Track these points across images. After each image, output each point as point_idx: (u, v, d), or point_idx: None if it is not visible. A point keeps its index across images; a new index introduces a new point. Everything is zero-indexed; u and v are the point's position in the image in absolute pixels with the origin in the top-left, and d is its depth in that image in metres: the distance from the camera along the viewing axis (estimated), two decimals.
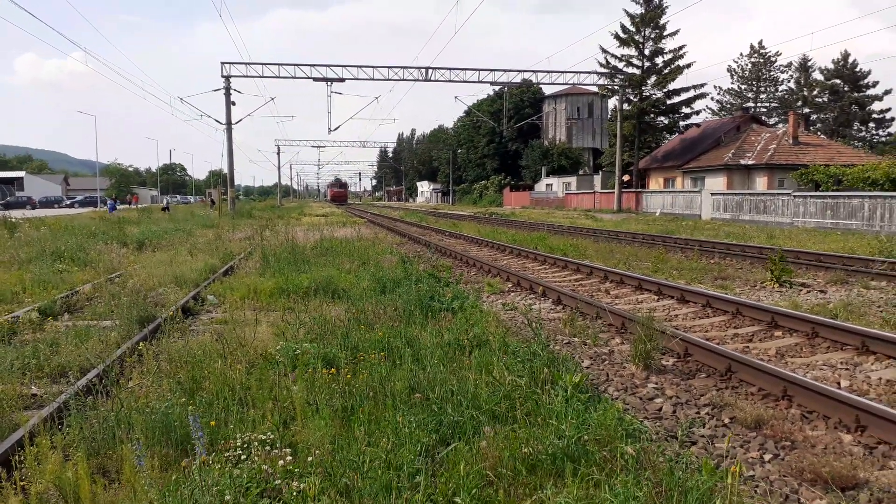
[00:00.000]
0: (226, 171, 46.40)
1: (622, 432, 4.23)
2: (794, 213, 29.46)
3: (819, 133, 64.88)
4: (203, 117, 45.66)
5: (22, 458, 3.94)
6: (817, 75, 75.87)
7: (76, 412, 4.47)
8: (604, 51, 50.56)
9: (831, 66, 73.50)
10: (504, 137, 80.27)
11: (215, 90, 42.12)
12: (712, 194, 36.81)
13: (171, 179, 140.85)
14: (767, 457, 4.41)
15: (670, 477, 3.63)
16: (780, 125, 54.39)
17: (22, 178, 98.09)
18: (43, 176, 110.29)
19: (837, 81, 73.01)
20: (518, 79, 44.65)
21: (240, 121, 45.25)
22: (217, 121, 44.29)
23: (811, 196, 29.04)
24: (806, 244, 18.70)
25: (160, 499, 3.44)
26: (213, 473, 3.59)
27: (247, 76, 41.99)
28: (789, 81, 79.47)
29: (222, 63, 41.61)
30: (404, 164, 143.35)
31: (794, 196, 29.74)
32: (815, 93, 75.67)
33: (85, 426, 4.36)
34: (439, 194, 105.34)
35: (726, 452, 4.46)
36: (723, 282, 12.12)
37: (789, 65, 78.06)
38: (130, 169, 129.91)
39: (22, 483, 3.77)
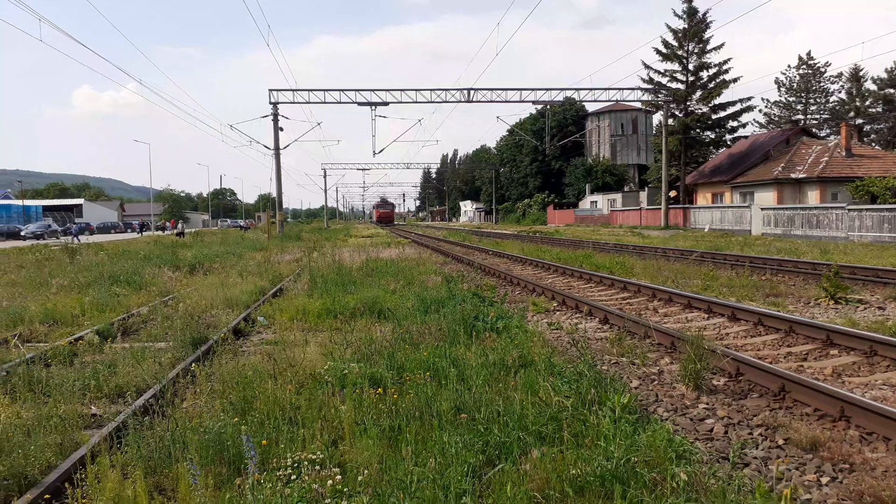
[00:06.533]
0: (274, 195, 47.42)
1: (672, 454, 4.16)
2: (848, 228, 28.55)
3: (873, 144, 62.97)
4: (252, 143, 46.88)
5: (83, 476, 4.08)
6: (870, 85, 73.67)
7: (134, 431, 4.62)
8: (647, 66, 50.24)
9: (884, 75, 71.35)
10: (547, 156, 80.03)
11: (263, 116, 43.33)
12: (762, 209, 35.97)
13: (222, 204, 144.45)
14: (825, 480, 4.28)
15: (722, 500, 3.56)
16: (832, 137, 52.96)
17: (81, 205, 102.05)
18: (100, 203, 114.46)
19: (892, 91, 70.72)
20: (560, 97, 44.64)
21: (287, 146, 46.24)
22: (265, 146, 45.46)
23: (867, 209, 28.11)
24: (862, 259, 18.10)
25: None
26: (265, 492, 3.67)
27: (294, 102, 42.99)
28: (840, 92, 77.27)
29: (270, 90, 42.77)
30: (447, 184, 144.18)
31: (849, 209, 28.84)
32: (867, 103, 73.42)
33: (142, 445, 4.50)
34: (482, 213, 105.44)
35: (781, 475, 4.35)
36: (775, 299, 11.82)
37: (840, 75, 75.91)
38: (182, 194, 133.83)
39: (83, 501, 3.90)
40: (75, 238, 46.27)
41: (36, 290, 13.84)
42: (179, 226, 61.35)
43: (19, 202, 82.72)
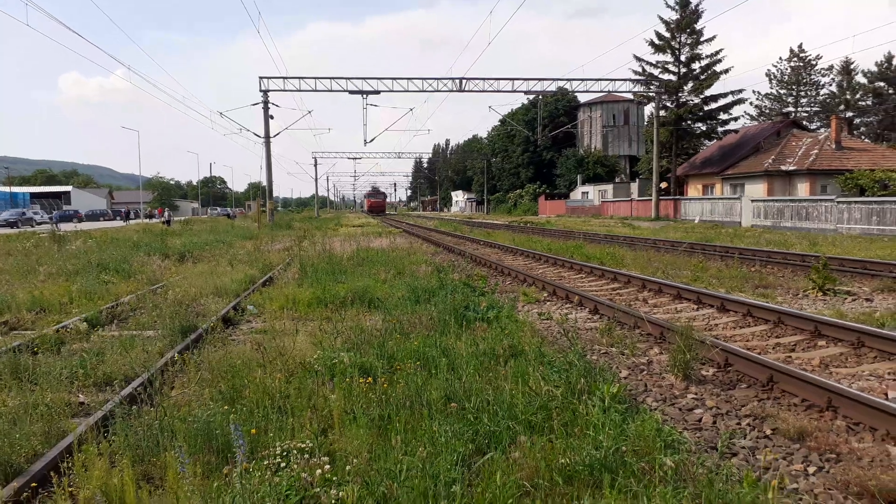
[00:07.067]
0: (265, 183, 47.20)
1: (661, 443, 4.18)
2: (837, 220, 28.73)
3: (863, 137, 63.33)
4: (242, 131, 46.65)
5: (70, 464, 4.06)
6: (860, 78, 74.01)
7: (121, 420, 4.59)
8: (638, 59, 50.19)
9: (875, 68, 71.67)
10: (538, 146, 79.98)
11: (254, 104, 43.06)
12: (752, 201, 36.14)
13: (212, 192, 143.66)
14: (811, 469, 4.31)
15: (710, 489, 3.58)
16: (822, 130, 53.17)
17: (69, 192, 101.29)
18: (89, 190, 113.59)
19: (881, 84, 71.11)
20: (552, 87, 44.60)
21: (277, 134, 46.02)
22: (256, 134, 45.22)
23: (856, 202, 28.29)
24: (851, 251, 18.22)
25: None
26: (254, 481, 3.65)
27: (284, 90, 42.74)
28: (831, 85, 77.63)
29: (260, 78, 42.45)
30: (439, 174, 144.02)
31: (838, 202, 29.02)
32: (858, 96, 73.81)
33: (130, 434, 4.47)
34: (474, 203, 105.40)
35: (768, 464, 4.37)
36: (764, 290, 11.88)
37: (830, 68, 76.17)
38: (172, 182, 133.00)
39: (70, 489, 3.88)
40: (54, 226, 45.15)
41: (23, 278, 13.72)
42: (166, 214, 60.16)
43: (6, 189, 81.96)
